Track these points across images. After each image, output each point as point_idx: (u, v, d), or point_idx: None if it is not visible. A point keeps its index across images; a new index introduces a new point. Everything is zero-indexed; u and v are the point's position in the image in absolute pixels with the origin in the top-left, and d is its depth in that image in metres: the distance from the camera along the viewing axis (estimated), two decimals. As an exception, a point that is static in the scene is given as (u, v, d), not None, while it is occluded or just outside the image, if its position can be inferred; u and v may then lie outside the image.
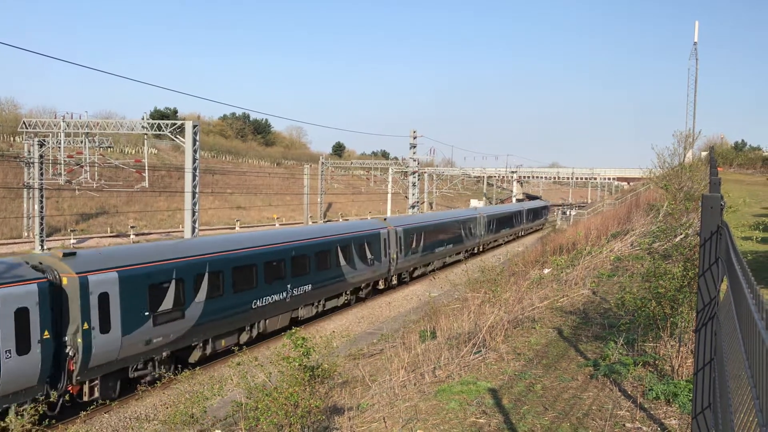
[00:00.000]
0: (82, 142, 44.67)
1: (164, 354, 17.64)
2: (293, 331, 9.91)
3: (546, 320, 13.64)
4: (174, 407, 10.72)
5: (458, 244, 44.41)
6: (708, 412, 4.20)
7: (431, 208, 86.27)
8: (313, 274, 25.12)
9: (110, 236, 51.32)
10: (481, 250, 50.93)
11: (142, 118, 49.05)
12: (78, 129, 44.47)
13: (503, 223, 58.27)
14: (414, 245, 35.78)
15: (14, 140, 58.09)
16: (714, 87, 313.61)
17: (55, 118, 46.50)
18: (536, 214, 74.64)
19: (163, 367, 17.49)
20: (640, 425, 7.27)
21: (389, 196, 79.93)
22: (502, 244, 57.53)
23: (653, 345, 10.20)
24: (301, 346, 9.32)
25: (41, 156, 42.51)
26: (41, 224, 42.39)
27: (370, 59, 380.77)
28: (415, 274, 37.32)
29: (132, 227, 53.26)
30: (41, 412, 12.22)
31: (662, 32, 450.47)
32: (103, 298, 15.43)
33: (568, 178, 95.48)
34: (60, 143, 44.03)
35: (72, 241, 46.19)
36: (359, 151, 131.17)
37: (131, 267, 16.61)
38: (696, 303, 4.47)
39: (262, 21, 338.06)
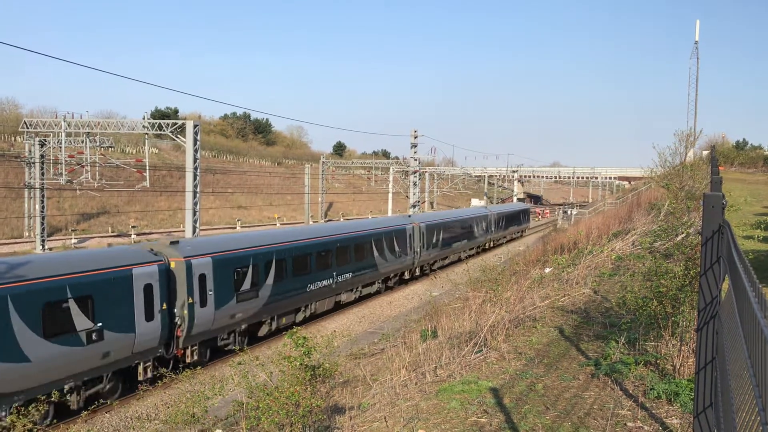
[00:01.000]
0: (83, 141, 44.66)
1: (243, 327, 20.97)
2: (294, 330, 9.91)
3: (547, 319, 13.63)
4: (175, 407, 10.71)
5: (472, 240, 47.64)
6: (710, 412, 4.19)
7: (432, 207, 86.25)
8: (352, 263, 28.52)
9: (111, 236, 51.32)
10: (491, 246, 53.56)
11: (143, 118, 49.04)
12: (79, 129, 44.46)
13: (511, 221, 59.78)
14: (435, 240, 38.81)
15: (15, 140, 58.12)
16: (715, 86, 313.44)
17: (56, 117, 46.50)
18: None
19: (240, 338, 20.89)
20: (641, 424, 7.26)
21: (390, 195, 79.90)
22: (505, 241, 58.73)
23: (655, 344, 10.19)
24: (302, 346, 9.31)
25: (42, 156, 42.52)
26: (42, 224, 42.40)
27: (370, 59, 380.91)
28: (435, 266, 40.08)
29: (133, 227, 53.26)
30: (155, 374, 16.52)
31: (663, 32, 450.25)
32: (202, 278, 18.70)
33: (569, 178, 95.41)
34: (61, 143, 44.02)
35: (73, 241, 46.20)
36: (360, 150, 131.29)
37: (221, 253, 19.88)
38: (697, 302, 4.46)
39: (263, 21, 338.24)
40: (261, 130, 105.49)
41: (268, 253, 22.12)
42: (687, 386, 7.89)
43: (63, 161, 44.46)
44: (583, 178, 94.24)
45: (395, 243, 33.01)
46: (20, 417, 9.97)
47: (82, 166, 45.15)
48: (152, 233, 53.49)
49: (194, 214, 37.57)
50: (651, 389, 8.22)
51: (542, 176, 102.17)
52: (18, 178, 50.52)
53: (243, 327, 20.97)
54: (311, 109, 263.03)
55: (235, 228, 60.00)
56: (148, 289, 16.72)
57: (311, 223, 66.07)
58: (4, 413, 12.92)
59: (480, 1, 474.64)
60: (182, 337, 18.10)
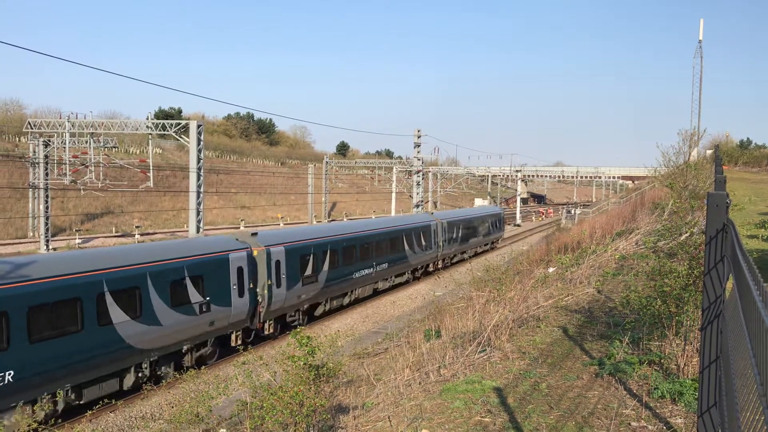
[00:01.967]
0: (86, 142, 44.79)
1: (305, 306, 24.47)
2: (297, 330, 9.92)
3: (551, 319, 13.62)
4: (179, 406, 10.73)
5: (487, 236, 49.97)
6: (714, 411, 4.19)
7: (435, 207, 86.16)
8: (388, 255, 31.84)
9: (115, 236, 51.40)
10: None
11: (147, 118, 49.15)
12: (83, 129, 44.58)
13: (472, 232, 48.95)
14: (455, 235, 41.78)
15: (19, 140, 58.26)
16: (719, 85, 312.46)
17: (60, 118, 46.65)
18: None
19: (303, 316, 24.41)
20: (645, 424, 7.25)
21: (393, 195, 79.88)
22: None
23: (658, 344, 10.18)
24: (306, 345, 9.31)
25: (46, 156, 42.59)
26: (46, 224, 42.47)
27: (374, 58, 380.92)
28: (455, 260, 42.83)
29: (137, 227, 53.32)
30: (240, 342, 19.46)
31: (667, 31, 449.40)
32: (278, 263, 22.06)
33: (572, 177, 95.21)
34: (65, 143, 44.15)
35: (77, 241, 46.28)
36: (363, 150, 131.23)
37: (291, 243, 23.28)
38: (701, 301, 4.45)
39: (266, 20, 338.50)
40: (264, 130, 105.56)
41: (324, 245, 25.69)
42: (691, 386, 7.88)
43: (67, 161, 44.58)
44: (586, 177, 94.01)
45: (422, 238, 36.29)
46: (25, 417, 9.99)
47: (86, 167, 45.28)
48: (156, 233, 53.54)
49: (198, 214, 37.62)
50: (655, 389, 8.21)
51: (546, 176, 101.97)
52: (22, 179, 50.64)
53: (305, 307, 24.53)
54: (314, 109, 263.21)
55: (239, 228, 60.02)
56: (240, 271, 20.03)
57: (315, 223, 66.10)
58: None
59: (485, 1, 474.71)
60: (263, 312, 21.39)
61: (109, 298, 15.38)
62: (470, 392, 8.97)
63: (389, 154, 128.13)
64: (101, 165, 47.28)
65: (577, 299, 15.59)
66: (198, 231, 37.29)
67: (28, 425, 9.30)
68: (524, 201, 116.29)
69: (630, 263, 19.74)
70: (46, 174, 42.97)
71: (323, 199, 74.85)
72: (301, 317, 24.14)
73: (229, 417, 11.99)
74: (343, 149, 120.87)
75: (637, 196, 45.62)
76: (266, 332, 22.02)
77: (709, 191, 4.63)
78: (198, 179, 37.81)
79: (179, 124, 42.12)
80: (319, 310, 25.98)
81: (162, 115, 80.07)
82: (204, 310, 18.48)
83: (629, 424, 7.31)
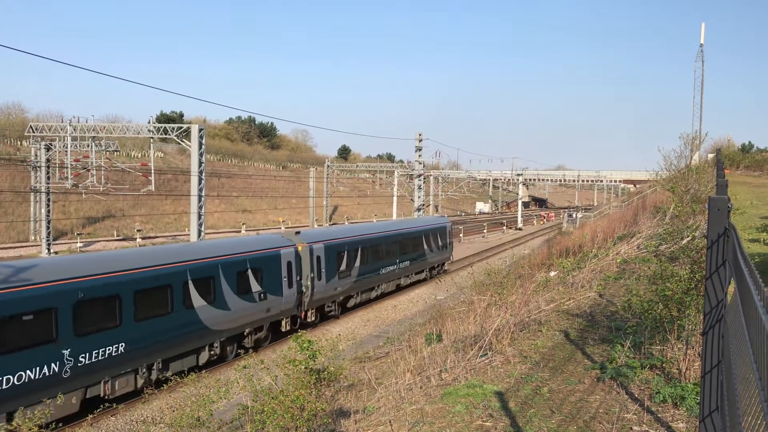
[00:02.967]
0: (88, 145, 44.87)
1: (340, 299, 27.25)
2: (299, 334, 9.92)
3: (552, 323, 13.60)
4: (180, 410, 10.70)
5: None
6: (716, 416, 4.18)
7: (437, 210, 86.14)
8: (410, 253, 34.25)
9: (117, 240, 51.43)
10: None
11: (148, 122, 49.26)
12: (84, 133, 44.66)
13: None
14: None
15: (21, 144, 58.37)
16: (721, 89, 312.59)
17: (62, 122, 46.77)
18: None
19: (338, 307, 27.21)
20: (647, 428, 7.23)
21: (395, 198, 79.90)
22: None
23: (660, 348, 10.15)
24: (307, 349, 9.31)
25: (48, 160, 42.66)
26: (48, 228, 42.50)
27: (375, 62, 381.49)
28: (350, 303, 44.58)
29: (138, 230, 53.36)
30: (288, 328, 22.70)
31: (668, 35, 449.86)
32: (318, 259, 24.71)
33: (574, 181, 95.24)
34: (67, 147, 44.21)
35: (79, 244, 46.30)
36: (365, 154, 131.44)
37: (329, 241, 26.09)
38: (703, 305, 4.45)
39: (267, 24, 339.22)
40: (266, 133, 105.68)
41: (357, 243, 28.33)
42: (693, 390, 7.86)
43: (69, 165, 44.64)
44: (588, 181, 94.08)
45: (438, 238, 38.39)
46: (26, 420, 9.97)
47: (88, 170, 45.37)
48: (157, 237, 53.57)
49: (199, 217, 37.64)
50: (657, 393, 8.20)
51: (547, 179, 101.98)
52: (24, 182, 50.72)
53: (340, 299, 27.18)
54: (316, 113, 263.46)
55: (240, 231, 60.03)
56: (289, 265, 22.64)
57: (316, 226, 66.13)
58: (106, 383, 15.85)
59: (485, 4, 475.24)
60: (306, 302, 24.08)
61: (191, 286, 18.01)
62: (472, 396, 8.95)
63: (390, 157, 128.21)
64: (103, 168, 47.35)
65: (578, 303, 15.56)
66: (199, 235, 37.30)
67: (29, 429, 9.29)
68: (526, 204, 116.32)
69: (631, 267, 19.71)
70: (48, 177, 43.04)
71: (324, 202, 74.87)
72: (336, 308, 26.85)
73: (230, 421, 11.99)
74: (344, 153, 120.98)
75: (639, 199, 45.58)
76: (309, 320, 24.61)
77: (710, 195, 4.63)
78: (199, 183, 37.85)
79: (181, 127, 42.18)
80: (351, 302, 28.29)
81: (164, 118, 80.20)
82: (262, 298, 21.12)
83: (631, 428, 7.29)
